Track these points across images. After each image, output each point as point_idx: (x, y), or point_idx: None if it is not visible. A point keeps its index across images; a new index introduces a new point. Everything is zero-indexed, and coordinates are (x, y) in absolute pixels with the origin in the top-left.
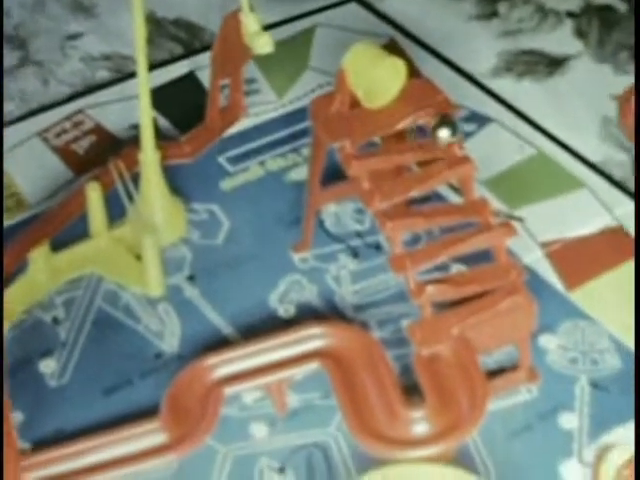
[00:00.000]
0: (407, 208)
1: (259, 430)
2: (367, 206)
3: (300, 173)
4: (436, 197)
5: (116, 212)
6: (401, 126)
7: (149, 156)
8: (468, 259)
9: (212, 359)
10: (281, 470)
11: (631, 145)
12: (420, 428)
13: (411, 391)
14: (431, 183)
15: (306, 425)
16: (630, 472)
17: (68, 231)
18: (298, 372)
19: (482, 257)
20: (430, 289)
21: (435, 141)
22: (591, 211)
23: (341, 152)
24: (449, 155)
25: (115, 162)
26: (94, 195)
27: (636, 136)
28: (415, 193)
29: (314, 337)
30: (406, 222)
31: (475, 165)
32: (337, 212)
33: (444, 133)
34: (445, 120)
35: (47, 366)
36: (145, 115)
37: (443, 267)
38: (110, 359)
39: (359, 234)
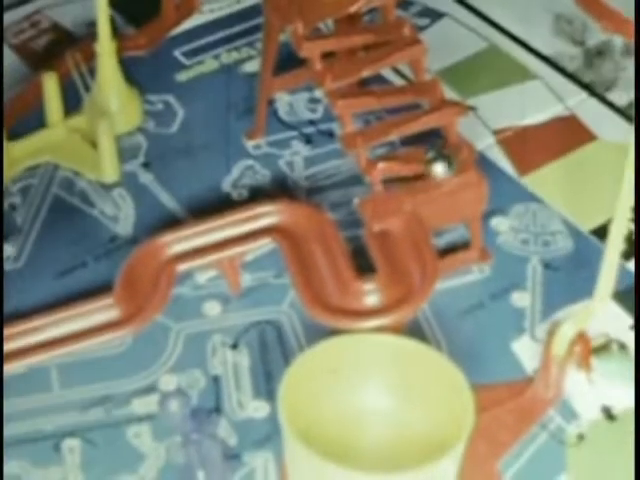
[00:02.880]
0: (359, 88)
1: (212, 308)
2: (319, 86)
3: (254, 66)
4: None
5: (72, 104)
6: (354, 9)
7: (105, 46)
8: (418, 139)
9: (165, 237)
10: (234, 346)
11: (583, 39)
12: (371, 300)
13: (363, 271)
14: (383, 64)
15: (259, 303)
16: (582, 348)
17: (25, 122)
18: (251, 248)
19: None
20: (381, 165)
21: (429, 175)
22: (543, 101)
23: (293, 35)
24: (400, 37)
25: (72, 53)
26: (51, 84)
27: (636, 135)
28: (367, 73)
29: (266, 214)
30: (357, 101)
31: (426, 47)
32: (291, 101)
33: (439, 169)
34: (441, 154)
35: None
36: (101, 8)
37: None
38: (65, 243)
39: (312, 122)
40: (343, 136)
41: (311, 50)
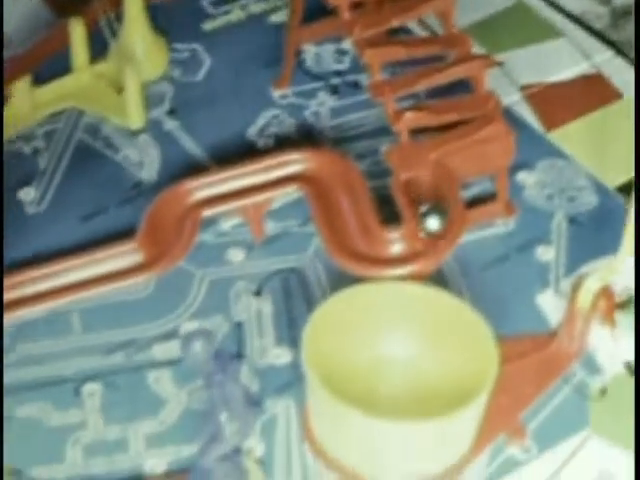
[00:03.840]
0: (387, 38)
1: (236, 255)
2: (348, 35)
3: (281, 16)
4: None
5: (98, 50)
6: None
7: None
8: (446, 92)
9: (190, 183)
10: (257, 293)
11: None
12: (396, 249)
13: (388, 220)
14: (411, 14)
15: (283, 251)
16: (606, 302)
17: (50, 67)
18: (276, 195)
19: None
20: (408, 114)
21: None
22: (570, 58)
23: None
24: None
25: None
26: (77, 30)
27: (636, 137)
28: (396, 23)
29: (293, 162)
30: (386, 50)
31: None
32: (318, 52)
33: (433, 224)
34: (436, 209)
35: (26, 194)
36: None
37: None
38: (88, 188)
39: (339, 73)
40: (371, 85)
41: None
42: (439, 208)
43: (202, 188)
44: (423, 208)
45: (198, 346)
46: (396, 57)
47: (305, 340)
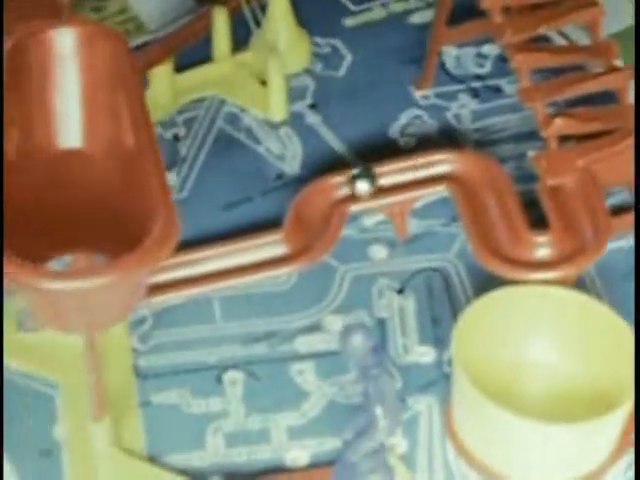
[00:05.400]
0: (535, 45)
1: (378, 252)
2: (498, 38)
3: (422, 16)
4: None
5: (240, 39)
6: None
7: None
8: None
9: (337, 177)
10: (400, 291)
11: None
12: (543, 253)
13: (534, 224)
14: (560, 22)
15: (426, 250)
16: None
17: (191, 54)
18: (423, 194)
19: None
20: (558, 121)
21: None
22: None
23: None
24: None
25: None
26: (220, 18)
27: (636, 137)
28: (544, 30)
29: (441, 162)
30: (535, 56)
31: (603, 9)
32: (458, 55)
33: (362, 187)
34: (365, 172)
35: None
36: None
37: None
38: (230, 176)
39: (480, 77)
40: (521, 90)
41: (493, 2)
42: (368, 172)
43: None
44: (354, 171)
45: (358, 339)
46: (544, 63)
47: (454, 340)
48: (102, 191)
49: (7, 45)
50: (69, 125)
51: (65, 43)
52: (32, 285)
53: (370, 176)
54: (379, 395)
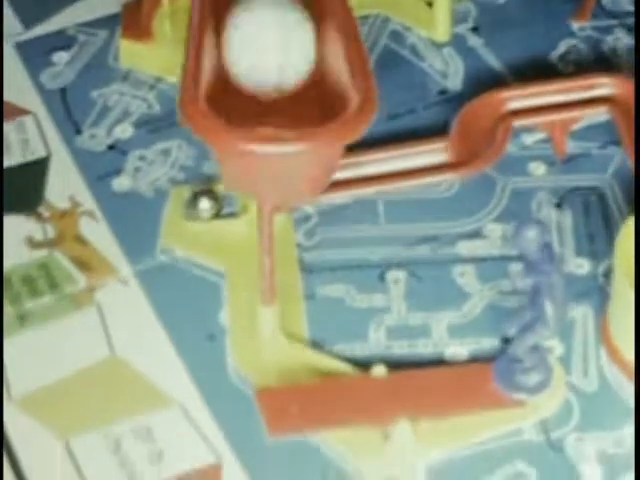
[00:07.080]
0: None
1: (537, 168)
2: None
3: None
4: None
5: None
6: None
7: None
8: None
9: (504, 92)
10: (558, 205)
11: None
12: None
13: None
14: None
15: (583, 170)
16: None
17: None
18: (585, 115)
19: None
20: None
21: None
22: None
23: None
24: None
25: None
26: None
27: (636, 143)
28: None
29: (603, 85)
30: None
31: None
32: None
33: (205, 205)
34: (207, 192)
35: None
36: None
37: None
38: (393, 89)
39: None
40: None
41: None
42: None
43: (515, 99)
44: (196, 189)
45: (532, 233)
46: None
47: (617, 245)
48: None
49: None
50: None
51: None
52: (242, 149)
53: (211, 194)
54: (549, 290)
